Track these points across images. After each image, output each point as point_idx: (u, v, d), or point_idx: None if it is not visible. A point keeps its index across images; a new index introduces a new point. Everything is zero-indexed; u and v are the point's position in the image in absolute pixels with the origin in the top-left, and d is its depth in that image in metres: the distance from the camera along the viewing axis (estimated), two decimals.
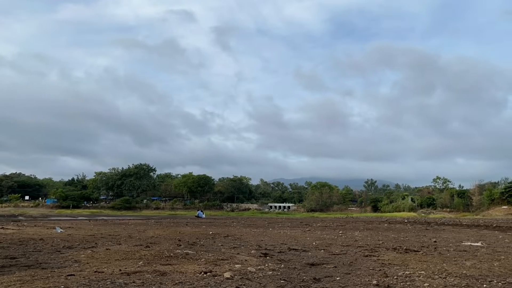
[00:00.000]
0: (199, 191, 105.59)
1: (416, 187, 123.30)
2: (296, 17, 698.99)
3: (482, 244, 12.67)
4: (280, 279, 6.41)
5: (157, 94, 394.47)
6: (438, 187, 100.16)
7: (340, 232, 19.23)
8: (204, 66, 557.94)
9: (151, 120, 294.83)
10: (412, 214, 76.11)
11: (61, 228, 18.13)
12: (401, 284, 6.02)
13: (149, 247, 10.82)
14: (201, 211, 57.10)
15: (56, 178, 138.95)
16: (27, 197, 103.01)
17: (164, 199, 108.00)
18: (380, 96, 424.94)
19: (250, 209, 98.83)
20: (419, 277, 6.52)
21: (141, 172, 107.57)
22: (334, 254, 9.83)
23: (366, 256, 9.50)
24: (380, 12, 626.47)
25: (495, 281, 6.20)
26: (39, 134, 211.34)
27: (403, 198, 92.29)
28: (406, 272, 6.93)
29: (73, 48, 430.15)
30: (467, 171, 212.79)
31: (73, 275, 6.35)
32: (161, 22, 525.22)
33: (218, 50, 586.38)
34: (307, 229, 21.98)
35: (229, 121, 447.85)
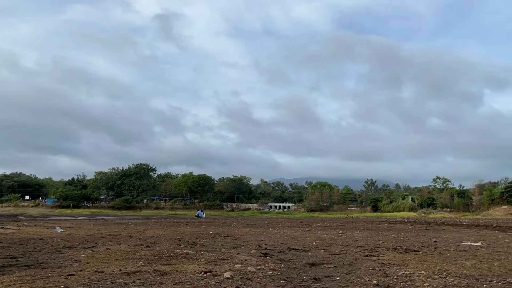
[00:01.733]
0: (199, 191, 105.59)
1: (416, 187, 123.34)
2: (304, 18, 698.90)
3: (482, 244, 12.67)
4: (280, 279, 6.41)
5: (122, 89, 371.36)
6: (438, 187, 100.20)
7: (340, 232, 19.23)
8: (158, 58, 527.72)
9: (122, 117, 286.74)
10: (412, 214, 76.11)
11: (61, 228, 18.14)
12: (401, 284, 6.02)
13: (149, 247, 10.82)
14: (201, 211, 57.14)
15: (56, 178, 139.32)
16: (27, 197, 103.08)
17: (164, 199, 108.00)
18: (352, 91, 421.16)
19: (250, 209, 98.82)
20: (419, 277, 6.52)
21: (141, 172, 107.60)
22: (334, 254, 9.83)
23: (366, 256, 9.50)
24: (387, 12, 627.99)
25: (495, 281, 6.20)
26: (12, 132, 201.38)
27: (403, 198, 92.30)
28: (406, 272, 6.93)
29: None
30: (457, 170, 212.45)
31: (73, 275, 6.35)
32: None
33: (172, 43, 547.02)
34: (307, 229, 21.98)
35: (201, 118, 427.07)
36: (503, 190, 73.22)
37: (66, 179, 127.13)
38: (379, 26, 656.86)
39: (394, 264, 8.06)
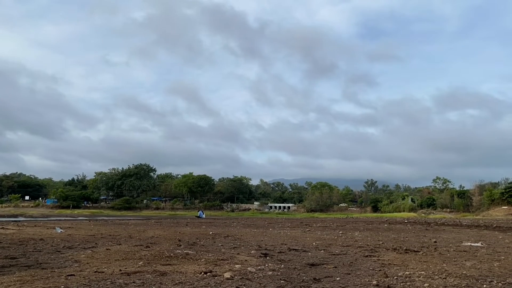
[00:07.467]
0: (199, 191, 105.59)
1: (416, 187, 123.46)
2: (328, 20, 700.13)
3: (482, 244, 12.67)
4: (280, 279, 6.41)
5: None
6: (438, 188, 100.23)
7: (340, 232, 19.22)
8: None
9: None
10: (412, 214, 76.04)
11: (61, 228, 18.14)
12: (401, 284, 6.01)
13: (149, 247, 10.82)
14: (202, 211, 57.16)
15: (56, 178, 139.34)
16: (27, 197, 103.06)
17: (164, 199, 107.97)
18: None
19: (250, 209, 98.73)
20: (419, 277, 6.52)
21: (141, 172, 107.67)
22: (334, 255, 9.83)
23: (366, 256, 9.50)
24: (411, 15, 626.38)
25: (495, 282, 6.20)
26: None
27: (403, 199, 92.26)
28: (406, 273, 6.93)
29: None
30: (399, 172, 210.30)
31: (73, 275, 6.35)
32: None
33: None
34: (307, 229, 21.98)
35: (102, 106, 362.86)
36: (503, 191, 73.13)
37: (66, 179, 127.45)
38: (402, 29, 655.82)
39: (394, 264, 8.05)
